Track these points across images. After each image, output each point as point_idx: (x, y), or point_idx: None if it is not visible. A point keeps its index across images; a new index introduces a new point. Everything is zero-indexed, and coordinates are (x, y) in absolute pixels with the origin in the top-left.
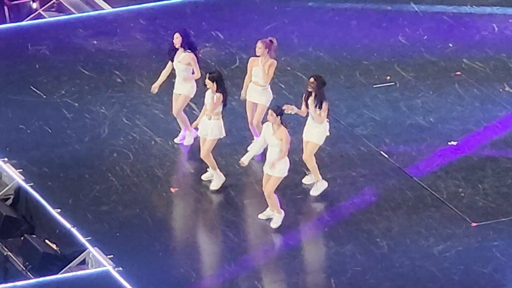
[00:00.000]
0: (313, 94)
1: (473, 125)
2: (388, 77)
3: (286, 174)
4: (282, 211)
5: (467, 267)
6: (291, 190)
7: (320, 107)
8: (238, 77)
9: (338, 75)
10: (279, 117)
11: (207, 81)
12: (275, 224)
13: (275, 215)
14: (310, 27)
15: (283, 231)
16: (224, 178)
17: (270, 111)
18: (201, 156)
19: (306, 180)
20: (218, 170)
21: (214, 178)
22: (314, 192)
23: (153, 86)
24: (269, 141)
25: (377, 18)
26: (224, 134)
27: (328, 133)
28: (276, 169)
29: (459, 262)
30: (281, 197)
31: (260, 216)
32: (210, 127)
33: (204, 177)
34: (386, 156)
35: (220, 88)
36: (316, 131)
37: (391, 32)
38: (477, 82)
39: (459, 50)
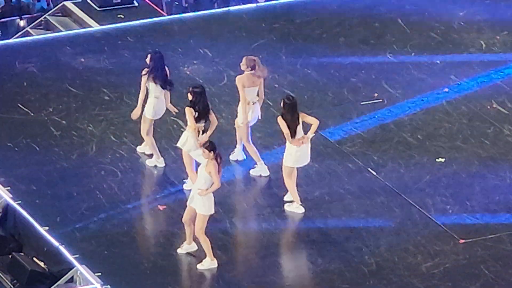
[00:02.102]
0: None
1: (461, 142)
2: (376, 94)
3: (212, 211)
4: (215, 259)
5: (455, 284)
6: (278, 207)
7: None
8: (226, 95)
9: (326, 92)
10: (211, 152)
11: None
12: (202, 266)
13: (206, 259)
14: (298, 44)
15: (271, 249)
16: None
17: (202, 148)
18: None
19: (288, 198)
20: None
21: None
22: (288, 207)
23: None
24: (199, 172)
25: (365, 35)
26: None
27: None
28: (202, 207)
29: (447, 279)
30: (269, 214)
31: (179, 250)
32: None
33: (186, 186)
34: (374, 173)
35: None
36: (285, 153)
37: (379, 49)
38: (464, 99)
39: (447, 67)
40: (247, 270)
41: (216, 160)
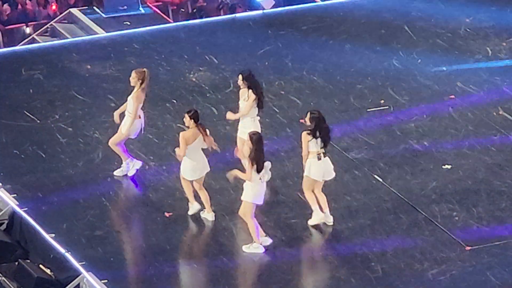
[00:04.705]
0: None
1: (467, 149)
2: (382, 101)
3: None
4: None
5: None
6: (285, 214)
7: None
8: (232, 101)
9: (332, 99)
10: (192, 120)
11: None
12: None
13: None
14: (304, 51)
15: (277, 256)
16: None
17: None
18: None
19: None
20: None
21: None
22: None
23: None
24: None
25: (371, 42)
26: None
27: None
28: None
29: (454, 286)
30: (275, 221)
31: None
32: None
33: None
34: (380, 180)
35: None
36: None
37: (385, 55)
38: (471, 105)
39: (453, 73)
40: (252, 277)
41: (199, 128)
